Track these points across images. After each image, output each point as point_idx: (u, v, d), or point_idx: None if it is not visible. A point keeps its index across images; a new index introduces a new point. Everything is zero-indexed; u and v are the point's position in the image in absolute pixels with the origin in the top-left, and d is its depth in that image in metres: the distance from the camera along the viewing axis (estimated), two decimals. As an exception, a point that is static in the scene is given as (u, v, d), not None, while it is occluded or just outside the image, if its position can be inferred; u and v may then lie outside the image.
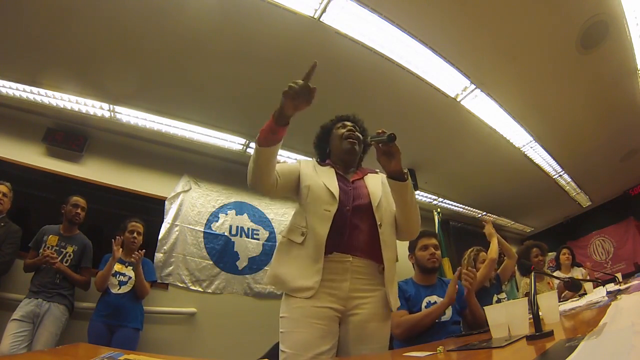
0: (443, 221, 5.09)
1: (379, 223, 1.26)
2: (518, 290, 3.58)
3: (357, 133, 1.42)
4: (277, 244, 1.33)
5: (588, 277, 3.31)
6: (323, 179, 1.29)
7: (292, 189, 1.32)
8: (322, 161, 1.44)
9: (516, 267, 2.71)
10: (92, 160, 3.19)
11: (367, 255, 1.22)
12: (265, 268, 3.55)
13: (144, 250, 2.56)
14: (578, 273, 3.51)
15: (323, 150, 1.49)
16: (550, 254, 5.22)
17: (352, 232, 1.22)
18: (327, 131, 1.48)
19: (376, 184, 1.36)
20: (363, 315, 1.17)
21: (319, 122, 1.53)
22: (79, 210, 2.56)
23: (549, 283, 2.90)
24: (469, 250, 2.62)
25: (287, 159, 3.63)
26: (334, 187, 1.26)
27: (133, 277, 2.56)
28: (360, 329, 1.16)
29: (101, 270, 2.49)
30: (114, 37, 2.37)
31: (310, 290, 1.12)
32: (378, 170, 1.46)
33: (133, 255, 2.51)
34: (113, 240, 2.49)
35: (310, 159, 1.49)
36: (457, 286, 1.71)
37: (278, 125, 1.10)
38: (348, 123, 1.45)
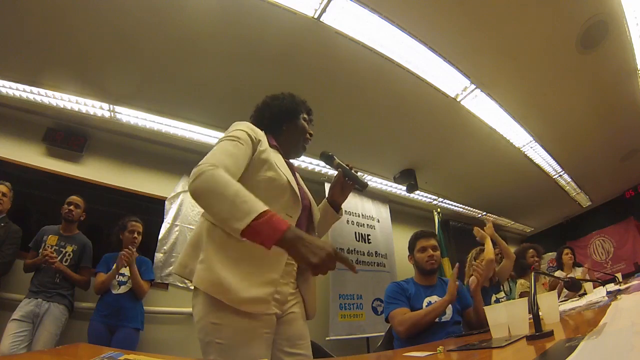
0: (443, 221, 5.09)
1: (315, 225, 1.19)
2: (516, 291, 3.59)
3: None
4: (204, 229, 0.99)
5: (587, 277, 3.32)
6: (284, 172, 1.08)
7: None
8: (269, 133, 1.21)
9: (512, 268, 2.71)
10: (92, 160, 3.19)
11: None
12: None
13: (134, 249, 2.53)
14: (579, 273, 3.52)
15: (278, 124, 1.23)
16: (550, 254, 5.23)
17: None
18: (296, 111, 1.25)
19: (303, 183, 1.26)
20: (293, 315, 1.09)
21: (318, 122, 1.42)
22: (72, 207, 2.54)
23: (543, 284, 2.91)
24: (473, 250, 2.63)
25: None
26: (296, 187, 1.09)
27: (133, 277, 2.56)
28: (290, 330, 1.07)
29: (101, 273, 2.50)
30: (114, 37, 2.37)
31: (260, 303, 0.93)
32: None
33: (122, 253, 2.43)
34: (122, 254, 2.45)
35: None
36: (457, 283, 1.71)
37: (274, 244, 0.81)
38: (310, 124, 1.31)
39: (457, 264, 1.81)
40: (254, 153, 1.05)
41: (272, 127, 1.22)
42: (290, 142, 1.23)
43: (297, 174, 1.23)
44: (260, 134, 1.12)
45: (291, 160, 1.26)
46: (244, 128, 1.07)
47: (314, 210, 1.21)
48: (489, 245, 2.36)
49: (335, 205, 1.26)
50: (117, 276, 2.51)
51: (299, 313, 1.11)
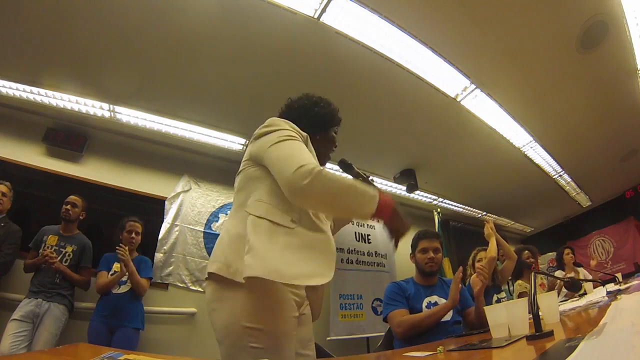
0: (443, 221, 5.09)
1: (331, 224, 1.21)
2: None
3: None
4: (249, 223, 0.96)
5: (588, 277, 3.32)
6: None
7: None
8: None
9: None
10: (92, 160, 3.19)
11: None
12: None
13: (127, 247, 2.48)
14: (580, 273, 3.52)
15: (314, 132, 1.16)
16: (550, 254, 5.23)
17: None
18: (332, 122, 1.24)
19: None
20: (305, 317, 1.10)
21: None
22: (68, 207, 2.53)
23: (540, 285, 2.91)
24: (475, 250, 2.64)
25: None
26: None
27: (133, 277, 2.56)
28: (303, 331, 1.07)
29: (102, 272, 2.51)
30: (114, 37, 2.37)
31: (325, 276, 0.95)
32: None
33: (117, 249, 2.42)
34: (118, 248, 2.43)
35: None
36: (460, 286, 1.70)
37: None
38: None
39: (460, 268, 1.77)
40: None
41: (307, 133, 1.14)
42: (318, 152, 1.16)
43: None
44: (304, 136, 1.08)
45: None
46: (293, 132, 1.04)
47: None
48: (493, 243, 2.35)
49: None
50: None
51: (309, 315, 1.12)
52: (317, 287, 1.13)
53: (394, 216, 0.97)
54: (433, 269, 1.86)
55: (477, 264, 1.79)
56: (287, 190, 0.92)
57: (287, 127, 1.04)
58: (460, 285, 1.71)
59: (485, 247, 2.56)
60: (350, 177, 1.24)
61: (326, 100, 1.25)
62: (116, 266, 2.55)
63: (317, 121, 1.19)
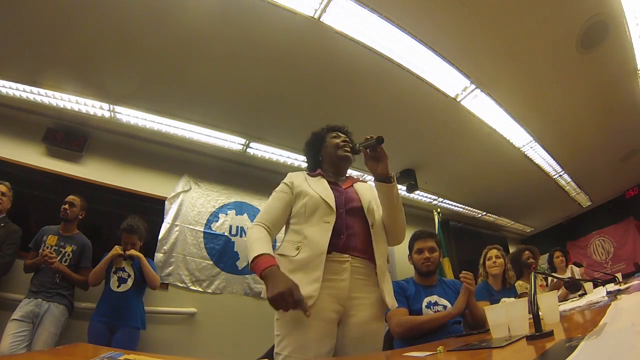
0: (443, 221, 5.08)
1: (370, 223, 1.29)
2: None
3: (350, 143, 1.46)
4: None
5: (583, 277, 3.32)
6: (318, 191, 1.29)
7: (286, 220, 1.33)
8: (312, 171, 1.46)
9: (512, 268, 2.70)
10: (92, 160, 3.19)
11: (364, 255, 1.25)
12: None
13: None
14: (576, 273, 3.52)
15: (315, 157, 1.50)
16: (542, 255, 5.22)
17: (347, 233, 1.24)
18: (320, 139, 1.49)
19: (365, 189, 1.42)
20: (362, 317, 1.18)
21: (318, 122, 1.56)
22: (66, 207, 2.53)
23: (540, 285, 2.91)
24: (484, 249, 2.64)
25: (286, 158, 3.64)
26: (329, 196, 1.28)
27: (133, 275, 2.56)
28: (359, 330, 1.17)
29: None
30: (114, 37, 2.37)
31: (310, 298, 1.08)
32: (367, 180, 1.54)
33: (129, 252, 2.52)
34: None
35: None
36: (467, 295, 1.70)
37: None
38: (341, 134, 1.48)
39: (466, 286, 1.72)
40: (293, 193, 1.32)
41: (315, 162, 1.50)
42: (329, 162, 1.45)
43: (356, 185, 1.42)
44: (295, 177, 1.38)
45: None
46: (285, 179, 1.38)
47: (369, 208, 1.32)
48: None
49: (383, 178, 1.30)
50: (117, 272, 2.52)
51: (367, 314, 1.18)
52: (386, 275, 1.28)
53: (264, 279, 1.07)
54: (430, 269, 1.86)
55: (461, 273, 1.78)
56: None
57: (282, 182, 1.38)
58: (467, 294, 1.71)
59: (495, 245, 2.56)
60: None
61: (312, 134, 1.53)
62: (118, 262, 2.55)
63: (310, 152, 1.53)
